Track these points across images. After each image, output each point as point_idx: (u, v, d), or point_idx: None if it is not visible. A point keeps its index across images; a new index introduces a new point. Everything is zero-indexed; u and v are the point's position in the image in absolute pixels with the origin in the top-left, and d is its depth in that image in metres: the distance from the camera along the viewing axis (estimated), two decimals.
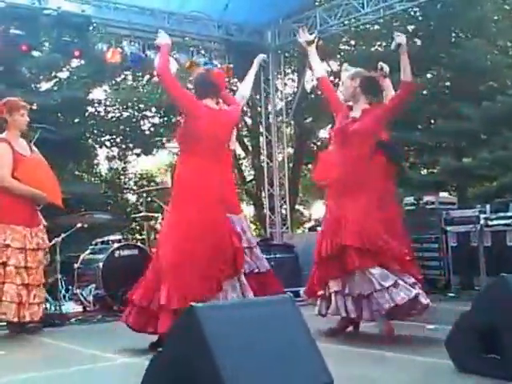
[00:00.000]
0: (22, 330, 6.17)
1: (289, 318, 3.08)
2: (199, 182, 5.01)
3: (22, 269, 6.11)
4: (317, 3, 14.37)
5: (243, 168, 21.88)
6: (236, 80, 14.47)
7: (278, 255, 9.48)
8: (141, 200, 17.97)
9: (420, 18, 15.05)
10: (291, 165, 17.70)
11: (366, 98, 5.46)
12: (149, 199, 9.82)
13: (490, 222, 7.99)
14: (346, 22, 11.71)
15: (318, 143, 20.80)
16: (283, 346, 2.94)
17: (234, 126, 5.81)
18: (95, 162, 18.17)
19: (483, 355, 3.63)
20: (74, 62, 15.23)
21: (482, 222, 8.08)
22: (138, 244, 8.74)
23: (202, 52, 11.67)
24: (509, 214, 7.85)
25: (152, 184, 18.49)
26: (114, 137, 17.82)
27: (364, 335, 5.60)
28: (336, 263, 5.34)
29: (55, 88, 15.07)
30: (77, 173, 16.22)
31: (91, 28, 10.78)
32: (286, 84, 14.34)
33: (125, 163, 19.69)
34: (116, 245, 8.19)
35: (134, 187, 19.21)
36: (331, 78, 19.55)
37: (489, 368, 3.60)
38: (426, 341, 5.18)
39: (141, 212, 9.91)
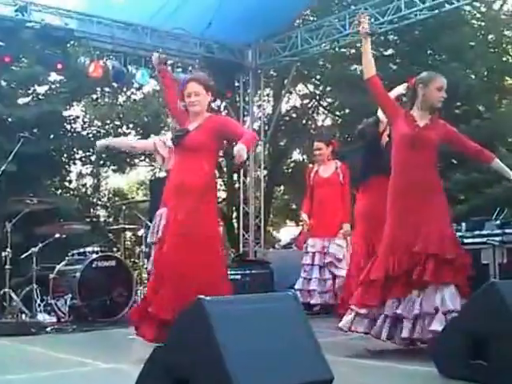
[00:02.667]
0: None
1: (291, 314, 3.16)
2: None
3: None
4: (296, 24, 14.53)
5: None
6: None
7: (253, 271, 9.55)
8: (112, 217, 18.07)
9: (397, 42, 15.31)
10: (264, 185, 17.78)
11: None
12: (127, 212, 9.83)
13: (465, 240, 8.09)
14: (327, 43, 11.85)
15: (292, 165, 20.94)
16: (286, 340, 3.01)
17: None
18: (68, 178, 18.08)
19: (470, 361, 3.65)
20: (54, 76, 15.20)
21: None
22: (116, 255, 8.75)
23: (182, 68, 11.77)
24: (484, 232, 7.95)
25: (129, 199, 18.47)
26: (89, 153, 17.76)
27: (346, 344, 5.65)
28: (402, 280, 5.00)
29: (33, 102, 15.02)
30: (50, 187, 16.10)
31: (74, 42, 10.82)
32: (263, 104, 14.40)
33: (98, 180, 19.65)
34: (94, 255, 8.21)
35: (107, 204, 19.18)
36: (307, 100, 19.88)
37: (475, 374, 3.61)
38: (408, 349, 5.21)
39: (115, 226, 9.95)
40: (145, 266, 8.31)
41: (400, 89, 5.98)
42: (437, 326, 4.66)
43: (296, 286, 7.92)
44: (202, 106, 5.26)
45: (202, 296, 2.93)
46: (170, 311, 4.75)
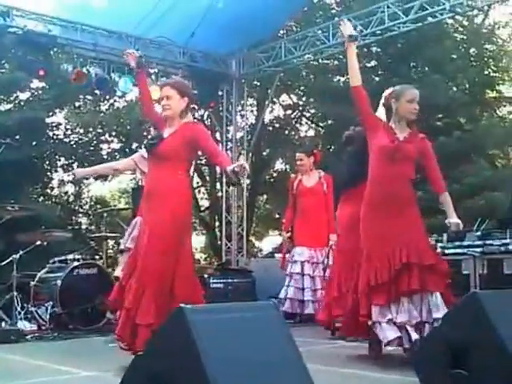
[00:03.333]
0: None
1: (272, 323, 3.15)
2: None
3: None
4: (280, 34, 14.60)
5: (199, 197, 21.91)
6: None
7: (235, 280, 9.57)
8: (94, 224, 18.02)
9: (380, 54, 15.41)
10: (247, 194, 17.81)
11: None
12: (108, 219, 9.80)
13: (446, 251, 8.15)
14: (310, 54, 11.92)
15: (275, 175, 20.98)
16: (266, 349, 3.00)
17: None
18: (50, 185, 18.03)
19: (450, 371, 3.66)
20: (36, 83, 15.17)
21: (438, 250, 8.22)
22: (98, 263, 8.71)
23: (166, 77, 11.76)
24: (465, 243, 8.02)
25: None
26: (71, 161, 17.72)
27: (328, 353, 5.66)
28: (385, 288, 5.05)
29: (15, 109, 14.98)
30: (32, 194, 16.05)
31: (56, 49, 10.79)
32: (246, 114, 14.45)
33: (79, 188, 19.59)
34: (75, 263, 8.17)
35: (89, 211, 19.13)
36: (290, 111, 19.94)
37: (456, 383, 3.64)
38: (389, 358, 5.25)
39: (97, 233, 9.93)
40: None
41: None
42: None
43: (283, 295, 7.94)
44: (174, 110, 5.12)
45: (183, 304, 2.93)
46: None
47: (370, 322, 5.10)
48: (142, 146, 5.73)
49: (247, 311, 3.21)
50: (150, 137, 5.38)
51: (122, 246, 5.65)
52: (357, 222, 5.44)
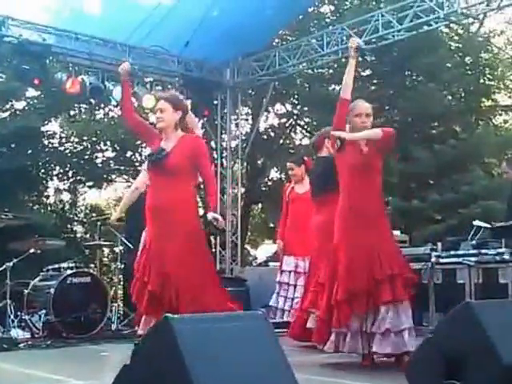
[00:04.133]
0: None
1: (261, 333, 3.14)
2: None
3: None
4: (274, 43, 14.63)
5: None
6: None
7: (229, 288, 9.50)
8: (89, 233, 17.98)
9: (375, 63, 15.43)
10: (242, 203, 17.80)
11: None
12: (103, 228, 9.79)
13: (441, 260, 8.14)
14: (304, 63, 11.94)
15: (269, 183, 20.96)
16: (255, 359, 2.99)
17: None
18: (45, 193, 18.01)
19: (443, 381, 3.64)
20: (31, 92, 15.18)
21: (433, 259, 8.23)
22: (91, 272, 8.71)
23: (161, 86, 11.79)
24: (460, 252, 8.00)
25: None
26: (67, 169, 17.71)
27: (318, 363, 5.64)
28: (363, 299, 5.19)
29: (10, 117, 14.98)
30: (27, 202, 16.04)
31: (51, 57, 10.80)
32: (240, 123, 14.47)
33: (75, 196, 19.57)
34: (69, 271, 8.17)
35: (84, 219, 19.09)
36: (284, 119, 19.95)
37: None
38: (381, 369, 5.24)
39: (92, 242, 9.91)
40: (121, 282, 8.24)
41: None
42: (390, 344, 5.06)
43: (274, 303, 7.93)
44: (167, 122, 5.27)
45: (169, 314, 2.91)
46: None
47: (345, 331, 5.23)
48: (147, 160, 5.74)
49: (235, 321, 3.20)
50: (151, 151, 5.39)
51: None
52: (329, 231, 5.53)
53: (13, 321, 7.69)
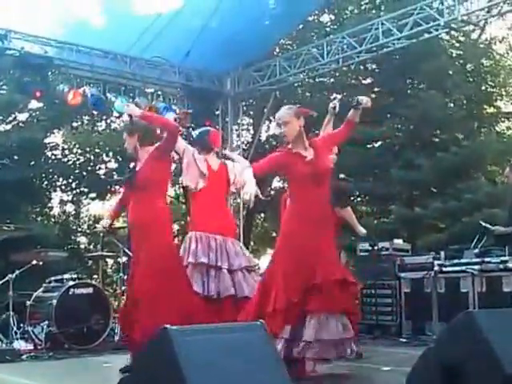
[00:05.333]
0: None
1: (260, 344, 3.13)
2: None
3: None
4: (275, 53, 14.65)
5: None
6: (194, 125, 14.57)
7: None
8: (92, 244, 17.99)
9: (376, 71, 15.44)
10: (244, 213, 17.77)
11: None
12: (106, 239, 9.79)
13: (444, 269, 8.13)
14: (305, 72, 11.94)
15: (272, 193, 20.94)
16: (253, 370, 2.98)
17: None
18: (49, 205, 18.05)
19: None
20: (34, 104, 15.23)
21: (436, 268, 8.21)
22: (93, 283, 8.72)
23: (162, 97, 11.80)
24: (463, 260, 7.98)
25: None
26: (70, 181, 17.74)
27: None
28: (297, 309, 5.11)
29: (13, 129, 15.03)
30: (30, 213, 16.08)
31: (53, 69, 10.83)
32: (242, 133, 14.50)
33: (78, 207, 19.61)
34: (71, 283, 8.17)
35: (87, 230, 19.12)
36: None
37: None
38: (383, 381, 5.24)
39: (95, 253, 9.92)
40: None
41: None
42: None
43: None
44: (129, 149, 5.79)
45: (168, 325, 2.91)
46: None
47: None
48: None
49: (234, 332, 3.20)
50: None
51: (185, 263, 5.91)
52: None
53: (16, 332, 7.72)
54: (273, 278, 5.21)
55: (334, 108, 5.87)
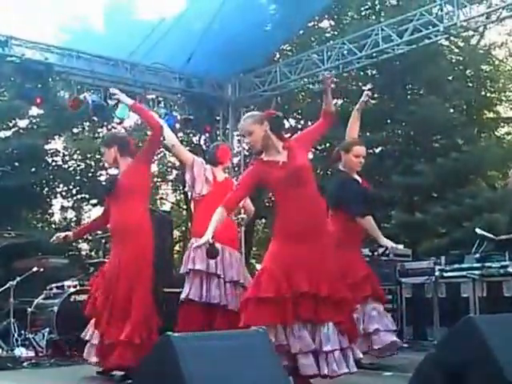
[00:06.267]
0: None
1: (261, 351, 3.14)
2: None
3: None
4: (275, 59, 14.69)
5: None
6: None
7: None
8: (93, 250, 17.97)
9: (376, 76, 15.47)
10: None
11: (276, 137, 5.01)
12: (107, 245, 9.79)
13: (444, 274, 8.13)
14: (305, 78, 11.97)
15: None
16: (255, 377, 2.99)
17: None
18: (50, 211, 18.10)
19: None
20: (35, 110, 15.28)
21: (437, 273, 8.22)
22: None
23: (163, 103, 11.83)
24: (464, 265, 7.99)
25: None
26: (71, 187, 17.78)
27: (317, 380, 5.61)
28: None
29: (14, 136, 15.08)
30: (31, 220, 16.14)
31: (54, 76, 10.86)
32: (242, 139, 14.52)
33: (79, 213, 19.63)
34: (72, 289, 8.17)
35: (88, 237, 19.09)
36: (288, 134, 19.97)
37: None
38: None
39: (96, 259, 9.91)
40: None
41: None
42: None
43: None
44: (108, 162, 5.96)
45: (170, 333, 2.92)
46: None
47: None
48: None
49: (236, 339, 3.21)
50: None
51: (182, 270, 5.96)
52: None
53: (17, 339, 7.69)
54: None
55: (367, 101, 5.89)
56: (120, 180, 5.69)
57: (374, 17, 15.89)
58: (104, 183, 5.74)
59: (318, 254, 4.81)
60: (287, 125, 19.45)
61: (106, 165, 6.00)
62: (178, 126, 12.37)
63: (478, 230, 8.08)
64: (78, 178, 17.57)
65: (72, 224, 19.23)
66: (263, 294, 4.58)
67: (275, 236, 5.00)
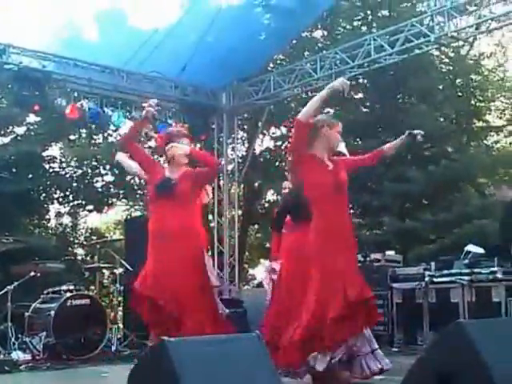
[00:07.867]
0: None
1: (255, 356, 3.19)
2: None
3: None
4: (269, 68, 14.82)
5: None
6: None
7: (227, 310, 9.61)
8: (89, 255, 18.06)
9: (367, 86, 15.63)
10: (239, 224, 17.88)
11: None
12: (102, 251, 9.94)
13: (434, 279, 8.27)
14: (298, 87, 12.10)
15: (266, 205, 21.06)
16: (249, 381, 3.06)
17: None
18: (46, 217, 18.15)
19: None
20: (32, 118, 15.36)
21: (426, 279, 8.36)
22: (90, 294, 8.84)
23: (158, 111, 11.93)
24: (453, 271, 8.13)
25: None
26: (67, 193, 17.83)
27: None
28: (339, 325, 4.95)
29: (12, 143, 15.15)
30: (28, 226, 16.18)
31: (51, 83, 10.96)
32: (236, 147, 14.67)
33: (76, 219, 19.68)
34: (68, 294, 8.29)
35: (85, 242, 19.18)
36: (280, 142, 20.08)
37: None
38: None
39: (92, 264, 10.05)
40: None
41: None
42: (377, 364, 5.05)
43: None
44: (181, 152, 5.46)
45: (165, 337, 2.98)
46: None
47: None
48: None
49: (231, 343, 3.24)
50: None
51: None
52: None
53: (14, 343, 7.79)
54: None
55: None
56: (178, 185, 5.36)
57: (366, 27, 16.03)
58: (161, 184, 5.44)
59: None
60: (279, 133, 19.63)
61: (176, 154, 5.44)
62: None
63: (469, 248, 8.22)
64: (74, 184, 17.61)
65: (68, 230, 19.29)
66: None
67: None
